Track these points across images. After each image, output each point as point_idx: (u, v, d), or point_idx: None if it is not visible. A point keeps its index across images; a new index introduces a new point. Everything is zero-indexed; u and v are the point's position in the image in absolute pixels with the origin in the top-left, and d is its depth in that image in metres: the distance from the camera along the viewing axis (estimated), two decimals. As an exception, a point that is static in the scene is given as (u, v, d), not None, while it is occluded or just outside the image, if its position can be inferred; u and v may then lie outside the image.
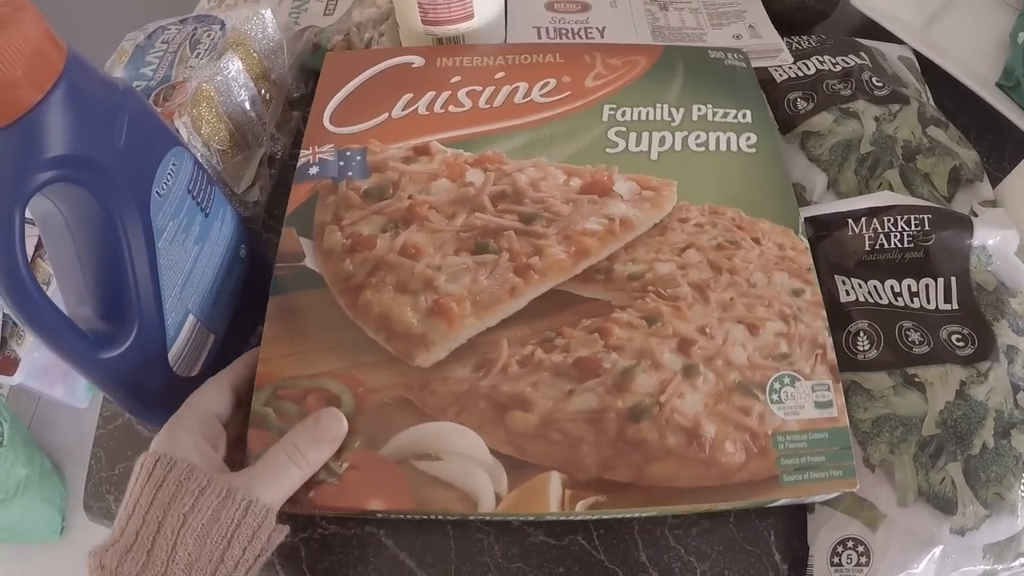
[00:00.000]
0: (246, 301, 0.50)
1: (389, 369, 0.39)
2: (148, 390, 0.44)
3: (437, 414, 0.38)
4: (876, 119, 0.49)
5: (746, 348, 0.39)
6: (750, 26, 0.59)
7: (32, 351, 1.20)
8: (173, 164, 0.41)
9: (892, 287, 0.43)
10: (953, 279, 0.42)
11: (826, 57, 0.55)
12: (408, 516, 0.39)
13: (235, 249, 0.48)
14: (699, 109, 0.46)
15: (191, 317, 0.45)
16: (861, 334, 0.41)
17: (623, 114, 0.46)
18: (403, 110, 0.48)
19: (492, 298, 0.40)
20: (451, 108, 0.47)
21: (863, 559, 0.38)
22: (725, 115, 0.46)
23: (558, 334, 0.39)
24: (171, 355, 0.44)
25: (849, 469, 0.36)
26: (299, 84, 0.60)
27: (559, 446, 0.37)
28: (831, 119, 0.50)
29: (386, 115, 0.47)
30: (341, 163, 0.46)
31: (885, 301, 0.43)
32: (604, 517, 0.40)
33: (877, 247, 0.44)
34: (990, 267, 0.43)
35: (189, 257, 0.44)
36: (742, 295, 0.40)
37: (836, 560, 0.39)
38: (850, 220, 0.44)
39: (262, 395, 0.39)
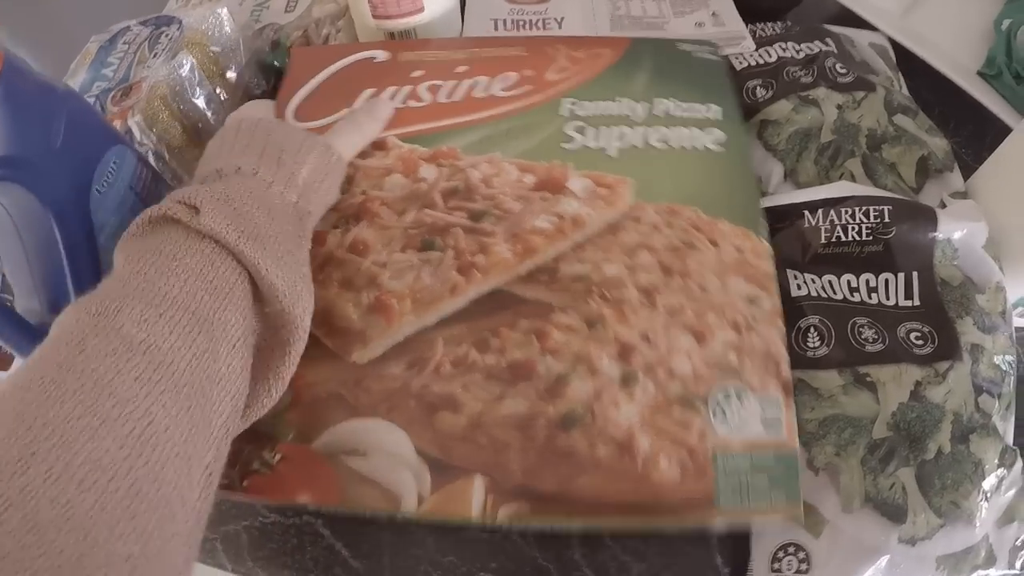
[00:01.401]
0: None
1: (327, 364, 0.39)
2: None
3: (368, 411, 0.37)
4: (839, 107, 0.46)
5: (691, 358, 0.37)
6: (713, 13, 0.57)
7: None
8: (114, 162, 0.42)
9: (849, 282, 0.41)
10: (915, 274, 0.40)
11: (789, 44, 0.52)
12: (334, 510, 0.39)
13: None
14: (663, 104, 0.44)
15: None
16: (812, 330, 0.39)
17: (582, 109, 0.44)
18: (363, 104, 0.47)
19: (432, 296, 0.39)
20: (411, 103, 0.46)
21: (804, 566, 0.36)
22: (690, 109, 0.44)
23: (494, 335, 0.38)
24: None
25: (794, 492, 0.34)
26: (259, 81, 0.60)
27: (485, 450, 0.36)
28: (790, 107, 0.48)
29: (347, 110, 0.47)
30: (301, 157, 0.46)
31: (840, 296, 0.40)
32: (527, 526, 0.39)
33: (834, 240, 0.41)
34: (955, 261, 0.40)
35: None
36: (692, 300, 0.38)
37: (776, 566, 0.37)
38: (806, 212, 0.42)
39: None
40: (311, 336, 0.40)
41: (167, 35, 0.55)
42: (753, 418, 0.36)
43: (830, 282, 0.41)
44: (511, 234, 0.41)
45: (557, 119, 0.44)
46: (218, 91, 0.55)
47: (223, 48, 0.55)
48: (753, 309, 0.38)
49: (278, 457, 0.37)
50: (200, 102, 0.53)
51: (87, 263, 0.41)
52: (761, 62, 0.51)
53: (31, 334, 0.40)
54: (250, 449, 0.37)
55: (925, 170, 0.45)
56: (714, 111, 0.44)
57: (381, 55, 0.49)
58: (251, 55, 0.57)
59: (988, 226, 0.41)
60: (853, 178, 0.45)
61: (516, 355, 0.37)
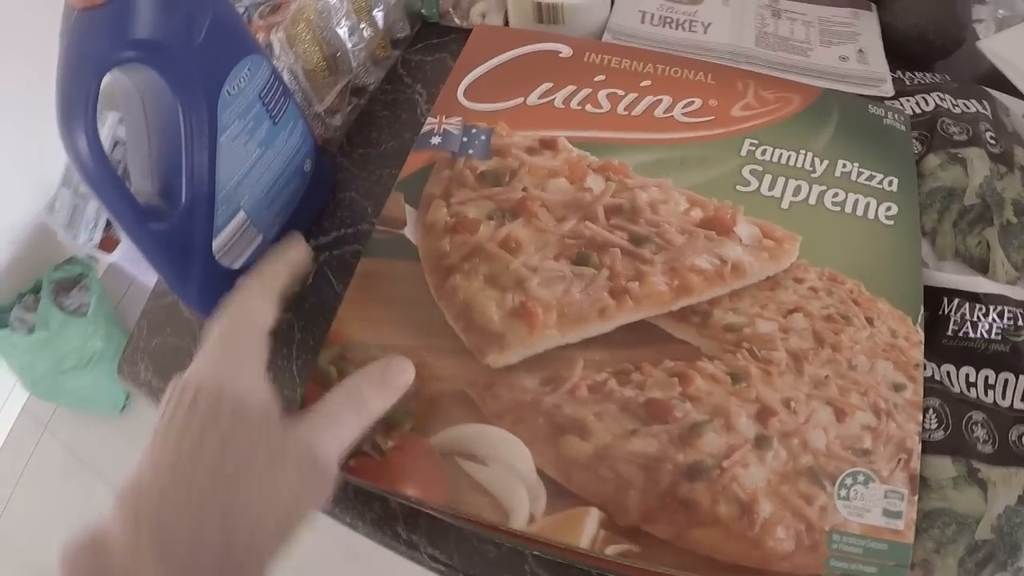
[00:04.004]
0: (301, 212, 0.52)
1: (458, 360, 0.39)
2: (190, 270, 0.47)
3: (494, 418, 0.37)
4: (988, 170, 0.44)
5: (827, 433, 0.37)
6: (860, 50, 0.55)
7: None
8: (248, 70, 0.44)
9: (967, 375, 0.40)
10: None
11: (947, 96, 0.50)
12: (437, 511, 0.39)
13: (299, 163, 0.51)
14: (844, 165, 0.43)
15: (242, 213, 0.48)
16: (931, 411, 0.38)
17: (763, 152, 0.43)
18: (539, 98, 0.46)
19: (580, 314, 0.39)
20: (588, 107, 0.46)
21: None
22: (870, 178, 0.42)
23: (637, 368, 0.38)
24: (216, 243, 0.47)
25: None
26: (403, 25, 0.60)
27: (607, 484, 0.36)
28: (937, 162, 0.46)
29: (521, 100, 0.46)
30: (464, 139, 0.46)
31: (957, 390, 0.39)
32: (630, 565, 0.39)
33: (961, 334, 0.40)
34: None
35: (249, 158, 0.47)
36: (839, 376, 0.38)
37: None
38: (945, 298, 0.41)
39: (329, 353, 0.40)
40: (446, 326, 0.40)
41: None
42: (876, 505, 0.35)
43: (948, 373, 0.40)
44: (670, 267, 0.40)
45: (736, 158, 0.43)
46: (362, 26, 0.55)
47: None
48: (896, 396, 0.37)
49: (391, 444, 0.37)
50: (343, 32, 0.54)
51: (204, 159, 0.43)
52: (918, 111, 0.49)
53: (139, 214, 0.42)
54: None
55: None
56: (891, 183, 0.42)
57: (566, 51, 0.48)
58: (400, -1, 0.57)
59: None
60: (988, 247, 0.43)
61: (655, 394, 0.37)
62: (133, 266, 1.36)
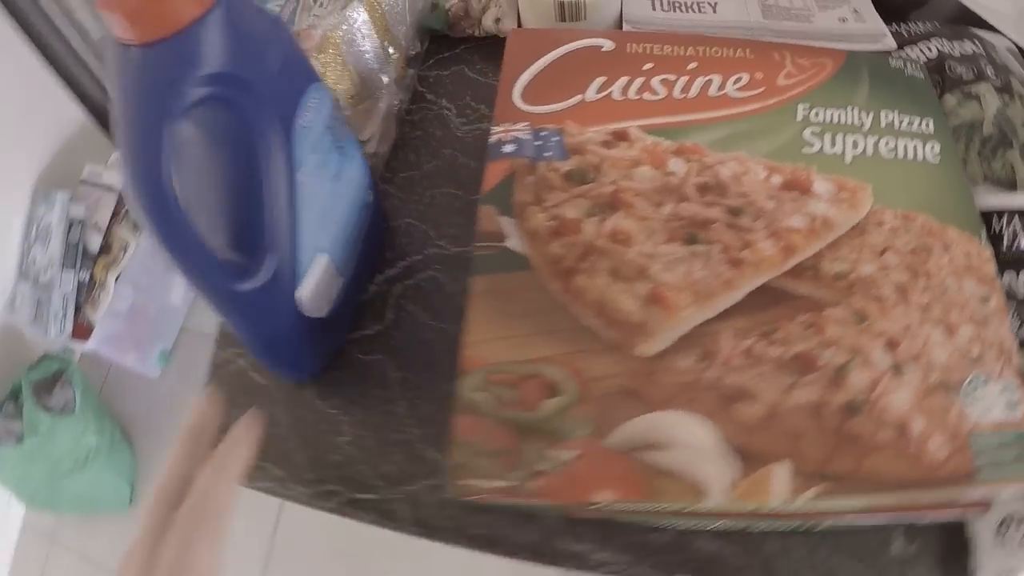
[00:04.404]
0: (367, 248, 0.51)
1: (610, 357, 0.40)
2: (278, 329, 0.45)
3: (663, 404, 0.39)
4: (998, 102, 0.51)
5: (944, 349, 0.41)
6: (855, 10, 0.61)
7: (106, 318, 1.17)
8: (314, 98, 0.41)
9: None
10: None
11: (944, 41, 0.56)
12: (628, 506, 0.40)
13: (364, 193, 0.49)
14: (887, 116, 0.48)
15: (324, 256, 0.45)
16: (1012, 315, 0.44)
17: (816, 115, 0.47)
18: (597, 93, 0.48)
19: (708, 289, 0.42)
20: (645, 95, 0.48)
21: None
22: (910, 123, 0.48)
23: (776, 328, 0.41)
24: (300, 293, 0.44)
25: None
26: (415, 42, 0.59)
27: (784, 438, 0.39)
28: (954, 101, 0.52)
29: (580, 97, 0.48)
30: (537, 143, 0.46)
31: (1022, 295, 0.46)
32: (820, 510, 0.42)
33: (1015, 247, 0.46)
34: None
35: (325, 194, 0.44)
36: (938, 299, 0.43)
37: (1002, 532, 0.42)
38: (994, 217, 0.47)
39: (472, 380, 0.40)
40: (584, 328, 0.41)
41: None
42: (997, 403, 0.41)
43: (1010, 282, 0.46)
44: (770, 232, 0.43)
45: (794, 123, 0.47)
46: (386, 45, 0.54)
47: (389, 4, 0.54)
48: (984, 308, 0.43)
49: (570, 455, 0.38)
50: (368, 56, 0.52)
51: (284, 200, 0.40)
52: (924, 59, 0.55)
53: (225, 275, 0.39)
54: (536, 448, 0.38)
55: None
56: (928, 124, 0.48)
57: (608, 44, 0.50)
58: (414, 16, 0.56)
59: None
60: (1012, 168, 0.49)
61: (799, 347, 0.40)
62: (110, 350, 1.24)
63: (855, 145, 0.47)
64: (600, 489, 0.38)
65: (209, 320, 1.59)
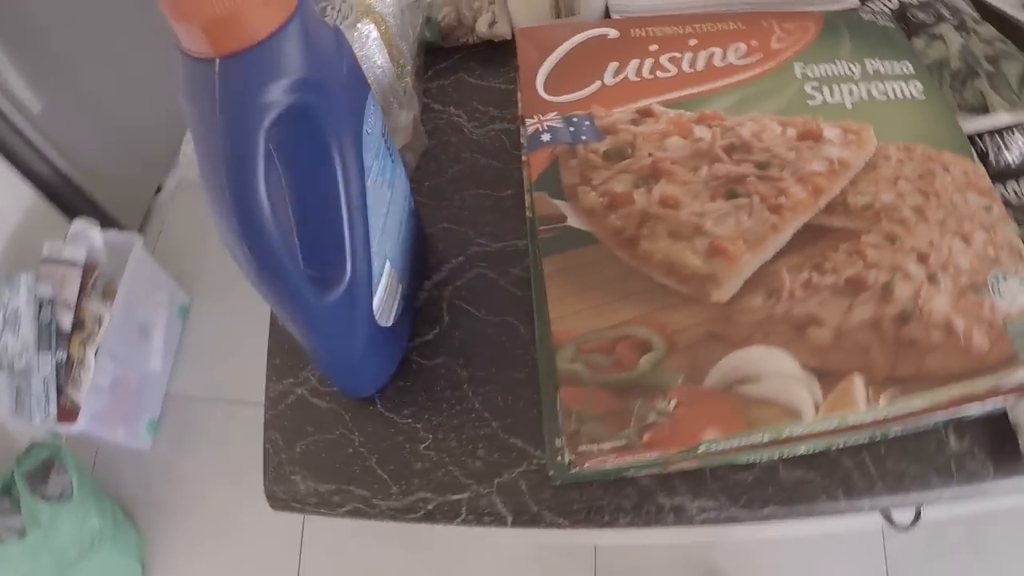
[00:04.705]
0: (414, 256, 0.52)
1: (689, 309, 0.44)
2: (354, 338, 0.45)
3: (745, 342, 0.43)
4: (960, 39, 0.57)
5: (966, 256, 0.46)
6: None
7: (91, 395, 1.13)
8: (372, 106, 0.43)
9: (1014, 189, 0.52)
10: None
11: None
12: (732, 442, 0.43)
13: (409, 200, 0.51)
14: (871, 64, 0.53)
15: (388, 264, 0.46)
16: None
17: (812, 71, 0.52)
18: (614, 77, 0.52)
19: (759, 235, 0.46)
20: (658, 73, 0.52)
21: None
22: (893, 68, 0.53)
23: (825, 259, 0.45)
24: (375, 302, 0.45)
25: None
26: (414, 57, 0.61)
27: (854, 353, 0.43)
28: (922, 43, 0.58)
29: (599, 83, 0.51)
30: (571, 129, 0.50)
31: (1016, 200, 0.52)
32: (900, 411, 0.46)
33: (1000, 161, 0.53)
34: None
35: (385, 201, 0.45)
36: (951, 213, 0.48)
37: None
38: (976, 139, 0.53)
39: (566, 352, 0.43)
40: (658, 287, 0.44)
41: (332, 6, 0.55)
42: (1019, 294, 0.46)
43: (1001, 192, 0.51)
44: (798, 178, 0.48)
45: (795, 81, 0.52)
46: (401, 60, 0.56)
47: (393, 20, 0.57)
48: (989, 216, 0.48)
49: (673, 403, 0.41)
50: (382, 71, 0.54)
51: (359, 208, 0.41)
52: (887, 11, 0.60)
53: (313, 288, 0.40)
54: (641, 403, 0.41)
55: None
56: (907, 67, 0.54)
57: (613, 32, 0.54)
58: (416, 30, 0.59)
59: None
60: (984, 96, 0.55)
61: (848, 272, 0.45)
62: (99, 428, 1.18)
63: (851, 92, 0.52)
64: (706, 428, 0.41)
65: (192, 381, 1.56)
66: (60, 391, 1.10)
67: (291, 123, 0.36)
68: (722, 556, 1.29)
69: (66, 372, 1.12)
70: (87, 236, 1.22)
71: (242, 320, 1.53)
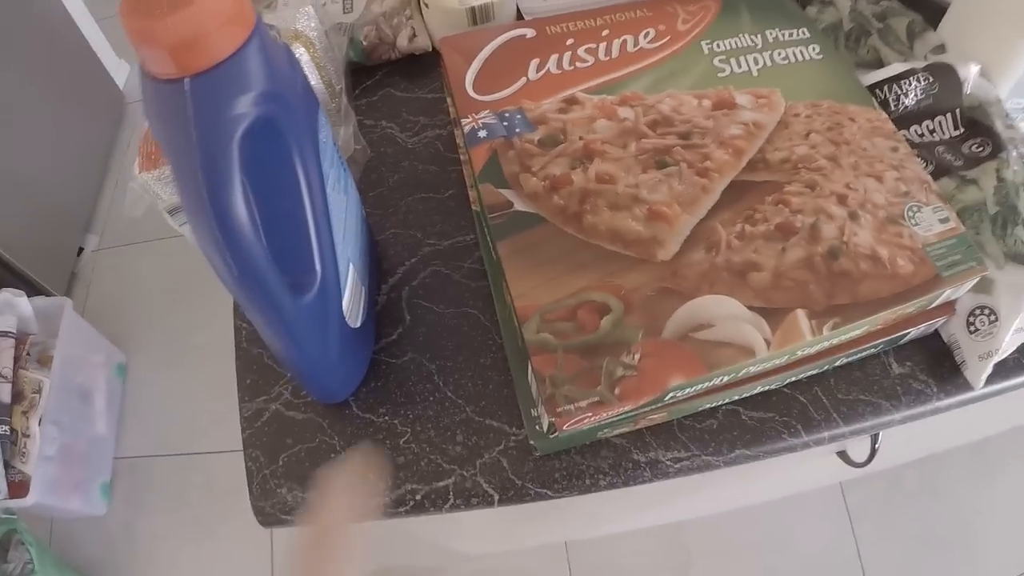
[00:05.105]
0: (370, 260, 0.55)
1: (639, 269, 0.47)
2: (327, 340, 0.47)
3: (693, 292, 0.46)
4: (849, 1, 0.62)
5: (880, 193, 0.51)
6: None
7: (40, 466, 1.08)
8: (323, 116, 0.45)
9: (915, 129, 0.57)
10: (957, 110, 0.56)
11: None
12: (696, 386, 0.46)
13: (361, 207, 0.53)
14: (771, 33, 0.58)
15: (351, 266, 0.49)
16: (919, 157, 0.54)
17: (717, 46, 0.57)
18: (537, 72, 0.55)
19: (692, 197, 0.49)
20: (577, 64, 0.55)
21: (992, 317, 0.51)
22: (790, 34, 0.58)
23: (754, 211, 0.49)
24: (344, 303, 0.47)
25: (979, 259, 0.49)
26: (338, 77, 0.64)
27: (793, 290, 0.46)
28: (815, 10, 0.63)
29: (524, 79, 0.54)
30: (504, 123, 0.52)
31: (919, 139, 0.56)
32: (842, 338, 0.49)
33: (900, 107, 0.57)
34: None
35: (343, 206, 0.47)
36: (861, 158, 0.52)
37: (971, 322, 0.51)
38: (876, 90, 0.58)
39: (532, 324, 0.45)
40: (608, 254, 0.47)
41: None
42: (933, 220, 0.50)
43: (904, 134, 0.56)
44: (719, 143, 0.52)
45: (703, 57, 0.56)
46: (332, 80, 0.57)
47: (318, 43, 0.58)
48: (896, 156, 0.53)
49: (638, 356, 0.44)
50: (319, 90, 0.56)
51: (322, 212, 0.43)
52: None
53: (291, 290, 0.41)
54: (608, 360, 0.44)
55: (912, 33, 0.61)
56: (804, 32, 0.58)
57: (529, 32, 0.57)
58: (342, 50, 0.61)
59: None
60: (878, 51, 0.60)
61: (777, 220, 0.49)
62: (52, 499, 1.13)
63: (756, 61, 0.56)
64: (672, 375, 0.44)
65: (140, 439, 1.51)
66: (8, 466, 1.06)
67: (256, 134, 0.37)
68: (692, 537, 1.32)
69: (11, 446, 1.08)
70: (15, 305, 1.20)
71: (180, 371, 1.52)
